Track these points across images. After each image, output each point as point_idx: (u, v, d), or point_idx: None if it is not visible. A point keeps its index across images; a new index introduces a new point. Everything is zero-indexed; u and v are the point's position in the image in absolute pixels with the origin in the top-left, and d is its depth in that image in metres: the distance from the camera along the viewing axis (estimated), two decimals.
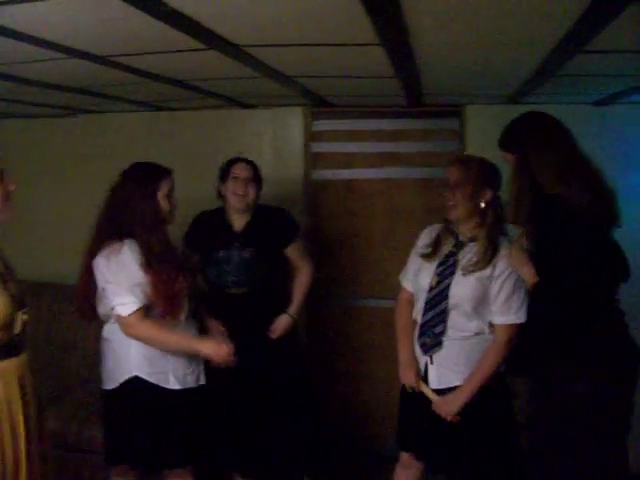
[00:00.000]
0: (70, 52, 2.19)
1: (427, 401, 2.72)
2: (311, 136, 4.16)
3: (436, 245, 2.74)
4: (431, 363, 2.70)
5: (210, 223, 3.34)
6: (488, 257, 2.58)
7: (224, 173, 3.26)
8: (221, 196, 3.29)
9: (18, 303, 2.23)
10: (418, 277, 2.77)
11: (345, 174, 4.17)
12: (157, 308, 2.66)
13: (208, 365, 2.87)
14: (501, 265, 2.59)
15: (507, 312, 2.58)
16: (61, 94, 3.22)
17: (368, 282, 4.21)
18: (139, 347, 2.69)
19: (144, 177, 2.75)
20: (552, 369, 2.43)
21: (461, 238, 2.70)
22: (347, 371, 4.25)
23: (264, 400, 3.21)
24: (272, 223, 3.31)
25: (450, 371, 2.66)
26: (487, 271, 2.58)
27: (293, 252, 3.34)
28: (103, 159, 3.96)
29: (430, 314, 2.66)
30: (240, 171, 3.21)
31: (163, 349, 2.70)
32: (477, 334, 2.64)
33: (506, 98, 3.52)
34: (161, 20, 1.79)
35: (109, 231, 2.69)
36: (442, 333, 2.63)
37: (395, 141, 4.10)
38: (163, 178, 2.77)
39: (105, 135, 4.30)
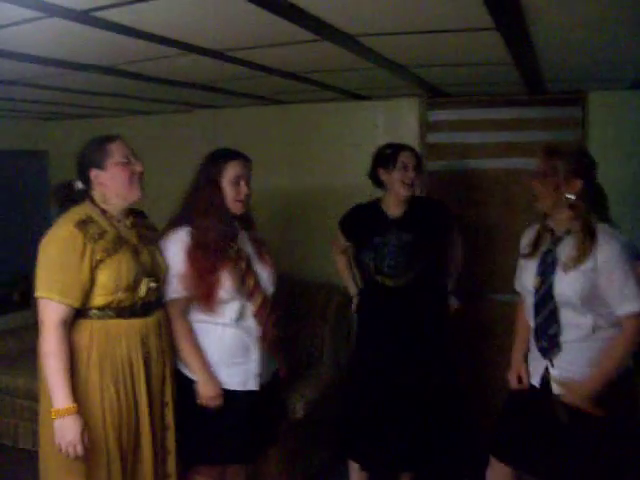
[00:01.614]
0: (187, 48, 2.27)
1: (537, 409, 2.61)
2: (427, 127, 4.11)
3: (535, 243, 2.63)
4: (552, 367, 2.56)
5: (365, 213, 3.31)
6: (587, 249, 2.44)
7: (388, 160, 3.15)
8: (378, 182, 3.22)
9: (146, 271, 2.46)
10: (521, 278, 2.69)
11: (462, 165, 4.10)
12: (195, 298, 2.62)
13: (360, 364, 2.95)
14: (603, 255, 2.43)
15: (624, 302, 2.42)
16: (179, 90, 3.35)
17: (493, 275, 4.09)
18: None
19: (209, 162, 2.69)
20: None
21: (557, 233, 2.57)
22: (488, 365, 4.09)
23: (424, 402, 3.13)
24: (429, 212, 3.25)
25: (573, 374, 2.52)
26: (589, 264, 2.44)
27: (451, 237, 3.33)
28: None
29: (541, 317, 2.56)
30: (409, 160, 3.12)
31: (180, 353, 2.65)
32: (595, 331, 2.48)
33: (630, 82, 3.33)
34: (274, 13, 1.82)
35: (176, 217, 2.68)
36: (557, 334, 2.51)
37: (514, 130, 3.98)
38: (228, 163, 2.66)
39: (220, 128, 4.45)
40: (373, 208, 3.26)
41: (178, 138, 4.50)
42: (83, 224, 2.34)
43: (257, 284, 2.71)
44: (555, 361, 2.55)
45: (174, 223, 2.66)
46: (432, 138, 4.12)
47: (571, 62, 2.81)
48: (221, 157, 2.69)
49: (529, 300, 2.63)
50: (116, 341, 2.38)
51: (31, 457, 3.82)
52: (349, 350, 4.07)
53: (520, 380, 2.75)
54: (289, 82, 3.20)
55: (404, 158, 3.11)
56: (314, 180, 4.31)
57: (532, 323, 2.62)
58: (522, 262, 2.73)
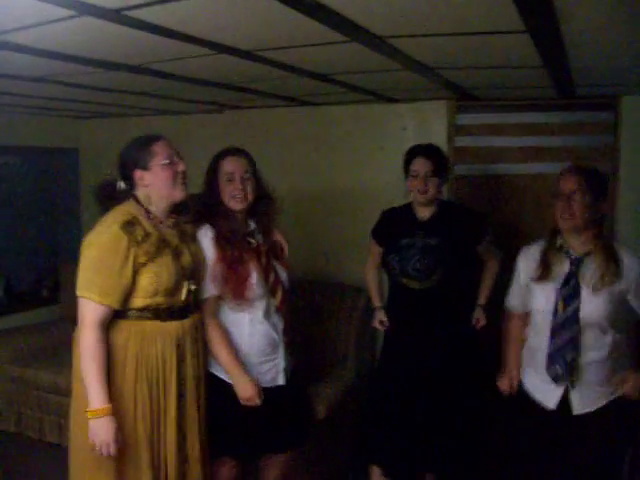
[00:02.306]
0: (217, 48, 2.28)
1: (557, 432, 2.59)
2: (455, 130, 4.08)
3: (545, 265, 2.58)
4: (572, 387, 2.53)
5: (396, 216, 3.33)
6: (614, 270, 2.44)
7: (405, 167, 3.19)
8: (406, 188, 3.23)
9: (186, 274, 2.49)
10: (531, 300, 2.65)
11: (490, 169, 4.07)
12: (227, 292, 2.64)
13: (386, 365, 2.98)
14: (630, 273, 2.47)
15: None
16: (208, 89, 3.37)
17: None
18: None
19: (210, 163, 2.76)
20: None
21: (573, 254, 2.54)
22: None
23: (448, 405, 3.12)
24: (459, 218, 3.23)
25: (594, 392, 2.51)
26: (619, 284, 2.44)
27: (483, 248, 3.27)
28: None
29: (560, 341, 2.50)
30: (419, 167, 3.10)
31: (215, 355, 2.68)
32: (614, 350, 2.49)
33: None
34: (304, 13, 1.82)
35: (193, 216, 2.70)
36: (574, 359, 2.48)
37: (544, 135, 3.94)
38: (221, 161, 2.71)
39: (249, 129, 4.47)
40: (404, 211, 3.27)
41: (206, 138, 4.53)
42: (129, 225, 2.37)
43: (278, 278, 2.78)
44: (576, 382, 2.52)
45: (194, 221, 2.68)
46: (460, 141, 4.09)
47: (603, 65, 2.77)
48: (216, 156, 2.75)
49: (542, 322, 2.58)
50: (151, 342, 2.41)
51: (56, 450, 3.90)
52: (373, 353, 4.07)
53: (511, 386, 2.80)
54: (318, 83, 3.20)
55: (415, 166, 3.11)
56: (342, 182, 4.31)
57: (545, 346, 2.55)
58: (524, 284, 2.70)
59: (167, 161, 2.44)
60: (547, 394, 2.58)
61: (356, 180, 4.26)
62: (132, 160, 2.46)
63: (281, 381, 2.79)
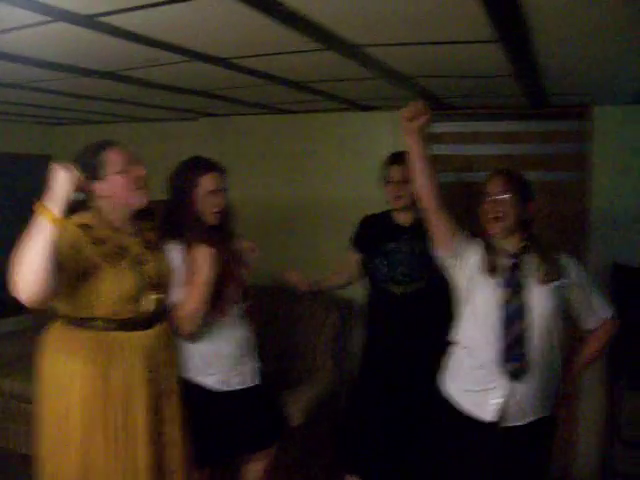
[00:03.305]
0: (191, 55, 2.28)
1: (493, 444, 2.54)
2: (430, 138, 4.10)
3: (490, 260, 2.56)
4: (509, 395, 2.44)
5: (377, 222, 3.34)
6: (557, 265, 2.51)
7: (382, 173, 3.23)
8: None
9: (150, 284, 2.42)
10: (475, 295, 2.58)
11: (465, 177, 4.10)
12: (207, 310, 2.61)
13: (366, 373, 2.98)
14: (574, 272, 2.55)
15: (600, 309, 2.58)
16: (183, 97, 3.37)
17: None
18: (191, 346, 2.67)
19: (184, 174, 2.66)
20: None
21: (511, 251, 2.55)
22: None
23: (418, 416, 3.05)
24: None
25: (529, 403, 2.48)
26: (563, 280, 2.50)
27: None
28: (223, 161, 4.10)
29: (510, 335, 2.45)
30: (394, 174, 3.15)
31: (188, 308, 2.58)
32: (556, 356, 2.52)
33: (634, 96, 3.34)
34: (279, 21, 1.83)
35: (164, 229, 2.64)
36: (526, 354, 2.44)
37: (517, 143, 3.99)
38: (203, 176, 2.63)
39: (224, 137, 4.47)
40: (385, 217, 3.29)
41: (182, 146, 4.51)
42: (85, 227, 2.30)
43: (246, 284, 2.83)
44: (517, 389, 2.45)
45: (166, 234, 2.63)
46: (435, 150, 4.12)
47: (574, 75, 2.81)
48: (195, 170, 2.67)
49: (485, 320, 2.51)
50: (116, 354, 2.35)
51: (25, 460, 3.83)
52: (350, 359, 4.07)
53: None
54: (294, 91, 3.21)
55: (391, 173, 3.16)
56: (318, 190, 4.31)
57: (497, 344, 2.47)
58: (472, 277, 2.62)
59: (123, 168, 2.35)
60: (484, 405, 2.49)
61: (332, 188, 4.27)
62: (84, 171, 2.26)
63: (256, 381, 2.83)
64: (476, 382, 2.52)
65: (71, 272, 2.20)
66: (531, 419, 2.48)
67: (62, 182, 2.09)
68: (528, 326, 2.45)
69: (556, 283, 2.48)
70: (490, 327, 2.49)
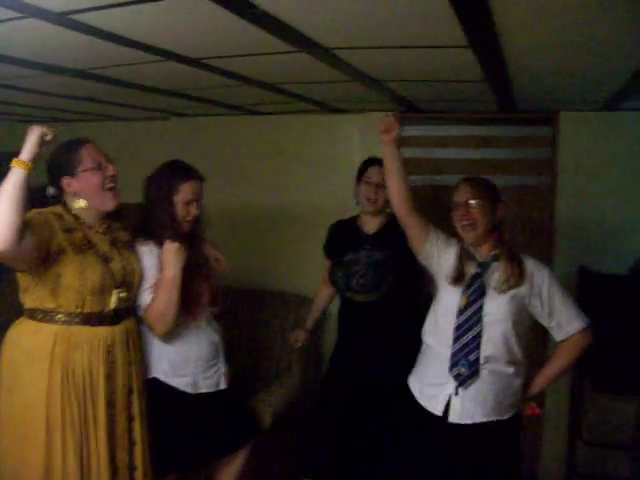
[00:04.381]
0: (164, 54, 2.27)
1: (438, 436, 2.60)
2: (400, 141, 4.13)
3: (459, 269, 2.60)
4: (456, 394, 2.52)
5: (343, 230, 3.35)
6: (519, 272, 2.52)
7: (359, 174, 3.23)
8: (357, 196, 3.26)
9: (118, 281, 2.43)
10: (437, 302, 2.68)
11: (433, 180, 4.13)
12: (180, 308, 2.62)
13: (330, 378, 3.00)
14: (536, 279, 2.54)
15: (572, 320, 2.54)
16: (155, 97, 3.35)
17: None
18: (160, 347, 2.67)
19: (164, 177, 2.66)
20: None
21: (480, 259, 2.59)
22: None
23: (382, 421, 3.07)
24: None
25: (477, 405, 2.51)
26: (522, 289, 2.51)
27: None
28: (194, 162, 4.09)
29: (462, 340, 2.50)
30: (373, 174, 3.16)
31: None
32: (512, 363, 2.53)
33: (603, 104, 3.41)
34: (252, 23, 1.84)
35: (139, 228, 2.66)
36: (477, 360, 2.48)
37: (486, 147, 4.03)
38: (183, 184, 2.65)
39: (196, 137, 4.44)
40: (351, 224, 3.30)
41: (152, 146, 4.48)
42: (57, 216, 2.33)
43: (216, 289, 2.84)
44: (460, 389, 2.52)
45: (139, 234, 2.64)
46: (405, 153, 4.14)
47: (543, 82, 2.86)
48: (176, 176, 2.66)
49: (445, 324, 2.57)
50: (78, 349, 2.34)
51: None
52: (319, 363, 4.08)
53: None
54: (265, 92, 3.21)
55: (370, 173, 3.17)
56: (288, 193, 4.31)
57: (447, 348, 2.54)
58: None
59: (95, 166, 2.38)
60: (434, 398, 2.57)
61: (303, 191, 4.27)
62: (58, 166, 2.39)
63: (223, 385, 2.81)
64: (430, 376, 2.62)
65: (42, 252, 2.22)
66: (481, 420, 2.51)
67: (33, 135, 2.17)
68: (482, 333, 2.48)
69: (513, 291, 2.50)
70: (445, 330, 2.56)
